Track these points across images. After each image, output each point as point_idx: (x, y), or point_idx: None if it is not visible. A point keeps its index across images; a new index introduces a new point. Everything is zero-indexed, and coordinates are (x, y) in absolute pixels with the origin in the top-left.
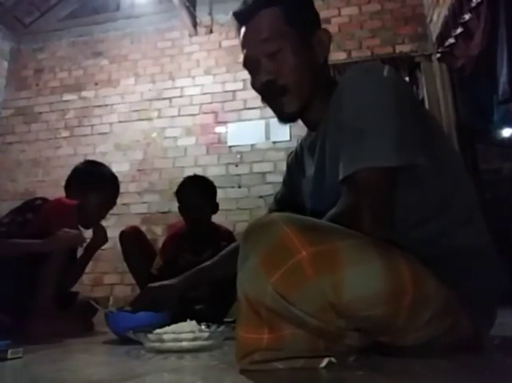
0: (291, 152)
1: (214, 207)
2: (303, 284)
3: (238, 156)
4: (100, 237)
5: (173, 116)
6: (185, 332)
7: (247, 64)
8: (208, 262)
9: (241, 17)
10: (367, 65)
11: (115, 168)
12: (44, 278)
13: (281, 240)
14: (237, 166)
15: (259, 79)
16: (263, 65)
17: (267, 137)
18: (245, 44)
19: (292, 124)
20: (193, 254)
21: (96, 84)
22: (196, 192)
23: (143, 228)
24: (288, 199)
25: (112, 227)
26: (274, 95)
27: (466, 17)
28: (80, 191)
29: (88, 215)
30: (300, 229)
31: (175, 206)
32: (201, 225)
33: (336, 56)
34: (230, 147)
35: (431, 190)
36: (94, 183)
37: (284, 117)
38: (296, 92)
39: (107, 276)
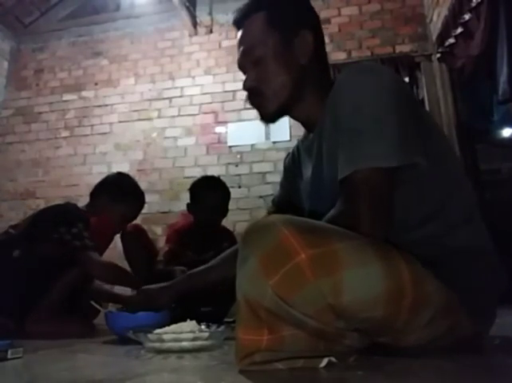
0: (288, 154)
1: (226, 211)
2: (302, 286)
3: (238, 156)
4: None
5: (173, 116)
6: (185, 332)
7: (240, 68)
8: (203, 267)
9: (235, 24)
10: (364, 65)
11: (115, 168)
12: (58, 286)
13: (280, 242)
14: (237, 166)
15: (244, 84)
16: (248, 72)
17: (267, 137)
18: (237, 50)
19: (291, 123)
20: (195, 254)
21: (96, 84)
22: (217, 194)
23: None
24: (286, 201)
25: None
26: (253, 99)
27: (466, 17)
28: (109, 201)
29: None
30: (299, 231)
31: (175, 206)
32: (212, 227)
33: (336, 56)
34: (230, 147)
35: (429, 190)
36: (124, 196)
37: (262, 118)
38: (270, 97)
39: None
